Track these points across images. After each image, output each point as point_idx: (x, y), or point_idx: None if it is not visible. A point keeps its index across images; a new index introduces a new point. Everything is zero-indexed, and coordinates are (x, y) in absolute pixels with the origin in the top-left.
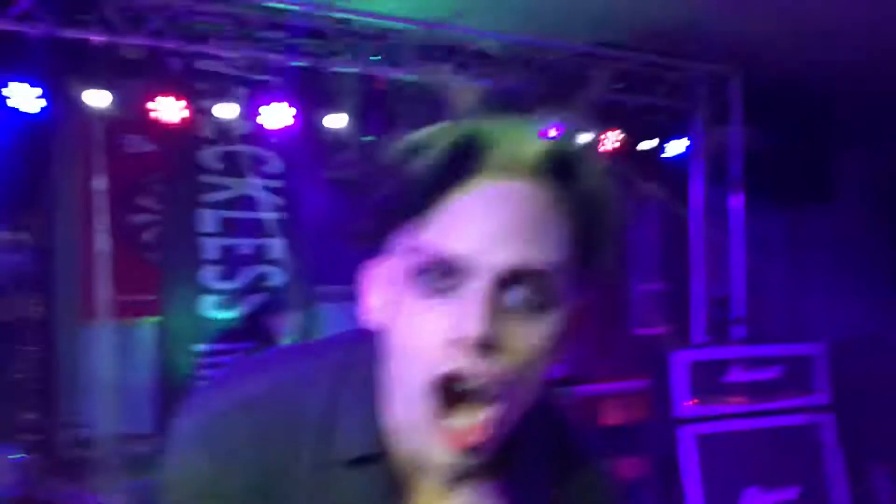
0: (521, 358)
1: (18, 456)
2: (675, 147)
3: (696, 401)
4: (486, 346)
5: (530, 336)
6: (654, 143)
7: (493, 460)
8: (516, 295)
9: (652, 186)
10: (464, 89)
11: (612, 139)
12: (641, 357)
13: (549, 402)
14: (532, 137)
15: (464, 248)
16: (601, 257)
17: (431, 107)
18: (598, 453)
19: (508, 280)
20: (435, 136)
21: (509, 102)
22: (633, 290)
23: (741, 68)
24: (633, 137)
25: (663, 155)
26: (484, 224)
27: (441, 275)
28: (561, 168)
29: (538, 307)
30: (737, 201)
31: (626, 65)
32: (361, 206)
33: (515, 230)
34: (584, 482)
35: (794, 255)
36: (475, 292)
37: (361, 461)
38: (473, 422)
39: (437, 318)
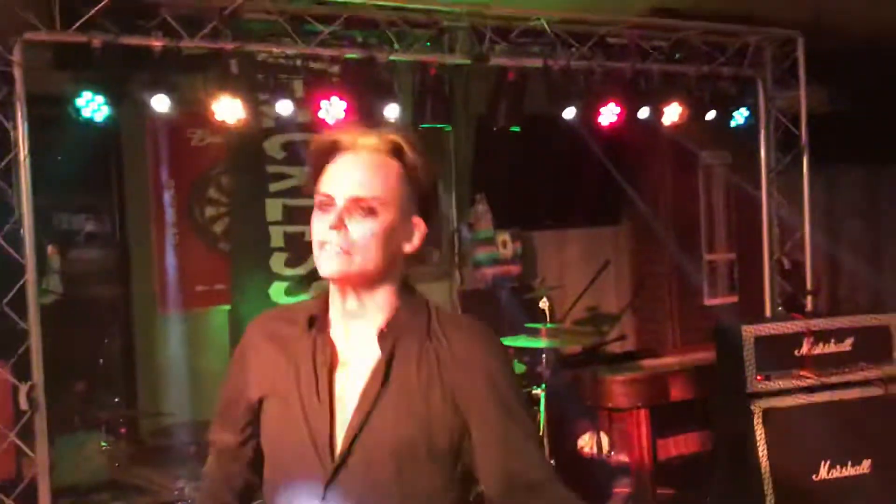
0: (358, 236)
1: (105, 444)
2: (741, 115)
3: (764, 376)
4: (339, 229)
5: (363, 227)
6: (719, 112)
7: (384, 331)
8: (355, 207)
9: (719, 155)
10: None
11: (674, 111)
12: (712, 329)
13: (423, 301)
14: (374, 135)
15: (330, 190)
16: (426, 197)
17: (487, 88)
18: (471, 321)
19: (352, 201)
20: (326, 136)
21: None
22: (704, 261)
23: (806, 31)
24: (697, 107)
25: (730, 123)
26: (338, 176)
27: (325, 203)
28: (391, 148)
29: (367, 214)
30: (806, 168)
31: (685, 34)
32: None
33: (354, 178)
34: (457, 336)
35: (869, 220)
36: (336, 209)
37: (311, 321)
38: (336, 259)
39: (323, 219)
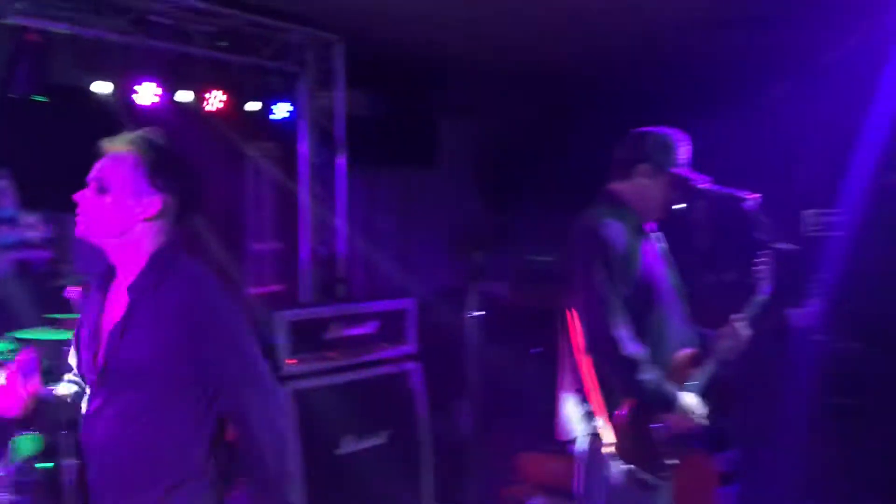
0: (91, 203)
1: None
2: (283, 109)
3: (296, 359)
4: (80, 204)
5: (99, 201)
6: (261, 104)
7: (134, 279)
8: (95, 185)
9: (261, 147)
10: None
11: (217, 98)
12: (252, 317)
13: (173, 263)
14: (127, 136)
15: (90, 174)
16: (167, 180)
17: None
18: (200, 277)
19: (93, 181)
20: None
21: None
22: (249, 250)
23: (347, 35)
24: (239, 98)
25: (271, 116)
26: (95, 168)
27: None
28: (141, 144)
29: (101, 192)
30: (341, 164)
31: (232, 22)
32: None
33: (100, 165)
34: (187, 290)
35: (401, 218)
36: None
37: (103, 281)
38: (76, 223)
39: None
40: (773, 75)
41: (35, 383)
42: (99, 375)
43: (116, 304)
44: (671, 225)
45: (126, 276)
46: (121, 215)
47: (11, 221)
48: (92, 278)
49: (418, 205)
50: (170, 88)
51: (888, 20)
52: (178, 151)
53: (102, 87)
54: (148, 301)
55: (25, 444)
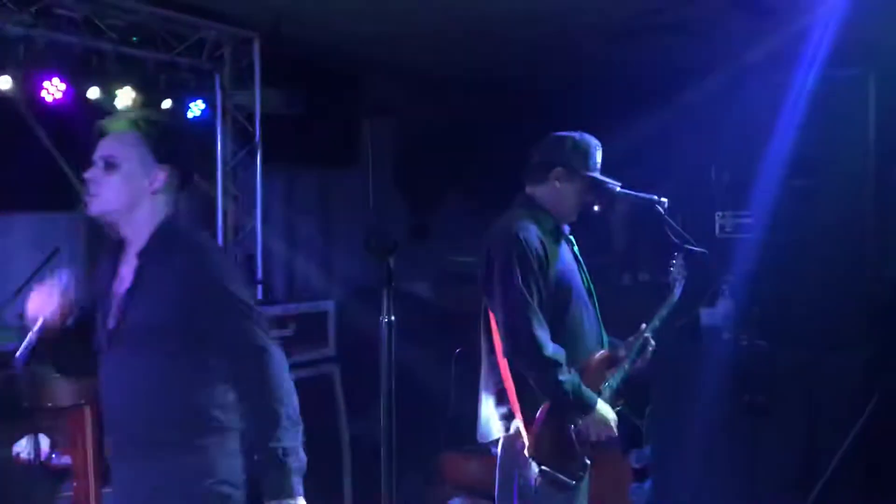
0: (102, 182)
1: None
2: (197, 107)
3: None
4: (92, 183)
5: (109, 178)
6: (175, 102)
7: (142, 246)
8: (102, 163)
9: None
10: None
11: (128, 95)
12: None
13: (177, 231)
14: (127, 114)
15: (95, 154)
16: (170, 154)
17: None
18: (204, 244)
19: (101, 160)
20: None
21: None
22: None
23: (265, 34)
24: (152, 95)
25: (186, 114)
26: (100, 148)
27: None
28: (142, 122)
29: (109, 170)
30: (258, 164)
31: (144, 17)
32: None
33: (104, 145)
34: (192, 256)
35: (321, 218)
36: (93, 166)
37: (114, 251)
38: (88, 202)
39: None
40: (688, 79)
41: (69, 298)
42: (111, 336)
43: (127, 272)
44: (586, 227)
45: (135, 246)
46: (130, 190)
47: None
48: (103, 251)
49: (339, 204)
50: (78, 85)
51: (799, 24)
52: (177, 126)
53: (3, 83)
54: (156, 266)
55: None
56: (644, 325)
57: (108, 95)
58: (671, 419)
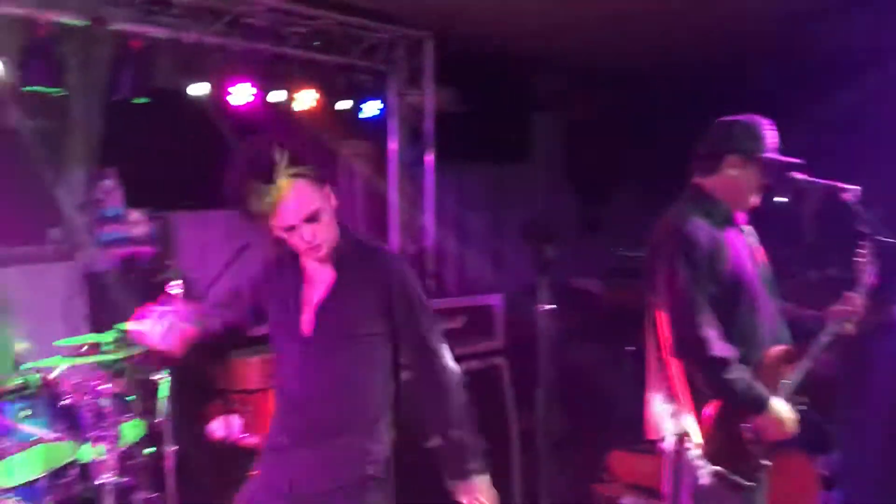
0: (317, 231)
1: None
2: (372, 107)
3: None
4: (310, 237)
5: (317, 227)
6: (352, 103)
7: (332, 260)
8: (308, 220)
9: (350, 145)
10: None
11: (308, 98)
12: None
13: (359, 240)
14: (284, 181)
15: (291, 222)
16: (324, 178)
17: (102, 53)
18: (389, 253)
19: (306, 218)
20: (263, 196)
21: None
22: None
23: (437, 34)
24: (330, 97)
25: (361, 115)
26: (288, 210)
27: (289, 228)
28: (300, 168)
29: (313, 222)
30: (429, 161)
31: (323, 23)
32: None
33: (300, 207)
34: (382, 265)
35: (492, 213)
36: (300, 228)
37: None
38: (313, 252)
39: (297, 235)
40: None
41: (190, 329)
42: (310, 338)
43: (317, 279)
44: (770, 217)
45: (321, 259)
46: (332, 220)
47: (117, 219)
48: (278, 260)
49: (509, 199)
50: (264, 88)
51: None
52: (309, 150)
53: (199, 89)
54: (350, 274)
55: (129, 430)
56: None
57: (290, 98)
58: (860, 422)
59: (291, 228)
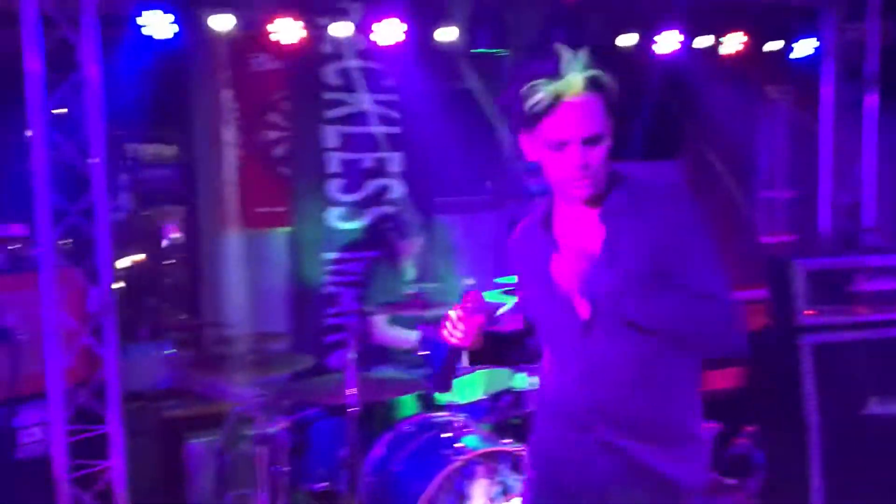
0: (593, 158)
1: (170, 351)
2: (804, 47)
3: (814, 310)
4: (582, 162)
5: (597, 152)
6: (781, 43)
7: (598, 198)
8: (587, 144)
9: (778, 89)
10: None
11: (735, 41)
12: (766, 265)
13: (631, 174)
14: (577, 76)
15: (566, 136)
16: (619, 121)
17: (540, 19)
18: (666, 188)
19: (585, 141)
20: (542, 89)
21: None
22: (760, 197)
23: None
24: (758, 38)
25: (791, 56)
26: (567, 123)
27: (559, 144)
28: (594, 84)
29: (593, 144)
30: (871, 102)
31: None
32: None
33: (583, 121)
34: (659, 200)
35: None
36: (574, 149)
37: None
38: (584, 182)
39: (565, 157)
40: None
41: (481, 318)
42: (588, 320)
43: (581, 237)
44: None
45: (572, 210)
46: (607, 159)
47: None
48: (518, 234)
49: None
50: (689, 34)
51: None
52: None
53: (628, 40)
54: (624, 226)
55: (409, 404)
56: None
57: (716, 43)
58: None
59: (563, 146)
